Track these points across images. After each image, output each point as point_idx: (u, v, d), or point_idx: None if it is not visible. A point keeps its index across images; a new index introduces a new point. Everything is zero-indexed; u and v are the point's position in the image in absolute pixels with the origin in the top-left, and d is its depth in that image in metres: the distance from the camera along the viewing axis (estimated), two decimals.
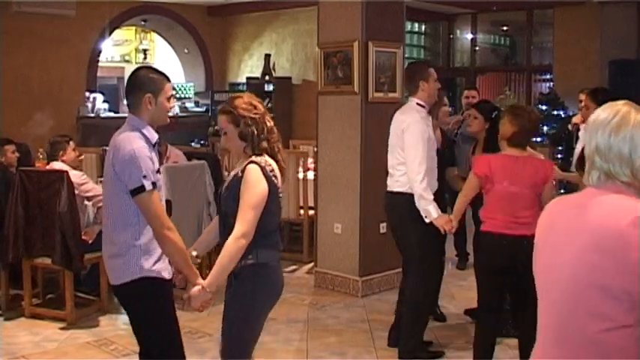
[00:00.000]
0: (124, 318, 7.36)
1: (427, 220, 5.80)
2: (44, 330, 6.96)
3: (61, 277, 7.50)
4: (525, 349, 5.40)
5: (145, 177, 3.91)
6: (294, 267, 9.33)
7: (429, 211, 5.77)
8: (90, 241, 7.24)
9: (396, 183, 6.06)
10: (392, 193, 6.10)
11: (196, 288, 3.97)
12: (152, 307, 4.12)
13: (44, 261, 7.20)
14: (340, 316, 7.36)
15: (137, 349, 6.23)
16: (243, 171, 4.02)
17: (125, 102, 4.14)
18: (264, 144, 4.08)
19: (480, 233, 5.49)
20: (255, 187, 3.95)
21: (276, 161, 4.11)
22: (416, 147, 5.82)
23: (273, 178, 4.02)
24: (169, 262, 4.15)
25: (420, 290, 6.07)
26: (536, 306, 5.27)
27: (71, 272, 7.08)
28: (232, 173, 4.18)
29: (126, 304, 4.30)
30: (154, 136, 4.14)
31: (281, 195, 4.14)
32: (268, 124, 4.12)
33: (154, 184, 3.97)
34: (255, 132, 4.06)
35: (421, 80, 6.05)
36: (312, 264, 8.90)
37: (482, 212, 5.42)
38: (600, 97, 6.46)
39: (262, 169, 3.99)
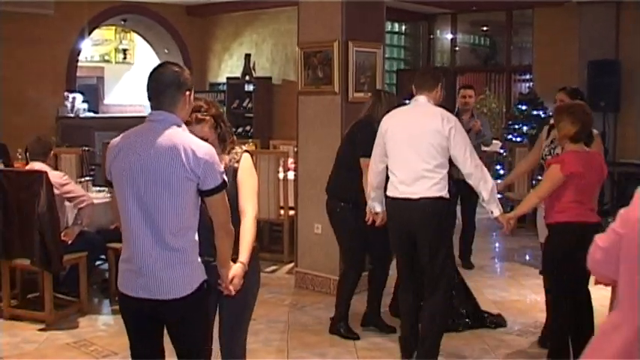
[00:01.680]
0: (103, 319, 7.35)
1: (493, 216, 5.74)
2: (23, 331, 6.92)
3: (40, 278, 7.45)
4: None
5: (222, 173, 3.81)
6: (274, 267, 9.32)
7: (497, 207, 5.71)
8: (69, 242, 7.20)
9: (434, 187, 5.65)
10: (429, 199, 5.65)
11: (238, 266, 4.06)
12: (205, 309, 3.99)
13: (23, 262, 7.15)
14: (321, 316, 7.35)
15: (117, 350, 6.25)
16: (238, 161, 4.30)
17: (151, 101, 3.84)
18: (234, 136, 4.38)
19: (560, 224, 5.62)
20: (255, 174, 4.36)
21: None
22: (470, 143, 5.71)
23: None
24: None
25: (447, 300, 5.96)
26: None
27: (50, 273, 7.05)
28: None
29: (185, 315, 3.88)
30: None
31: None
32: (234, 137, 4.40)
33: None
34: (229, 127, 4.32)
35: (440, 84, 5.95)
36: (292, 264, 8.90)
37: (560, 205, 5.58)
38: (578, 97, 6.56)
39: (251, 157, 4.38)
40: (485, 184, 5.62)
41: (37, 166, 7.38)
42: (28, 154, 7.75)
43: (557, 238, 5.67)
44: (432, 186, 5.64)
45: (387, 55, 9.33)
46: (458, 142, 5.61)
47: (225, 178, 3.81)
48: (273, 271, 9.14)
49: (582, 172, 5.52)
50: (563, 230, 5.60)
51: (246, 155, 4.33)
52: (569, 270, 5.58)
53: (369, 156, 6.21)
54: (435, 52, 17.09)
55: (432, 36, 17.03)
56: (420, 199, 5.65)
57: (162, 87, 3.82)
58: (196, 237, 3.84)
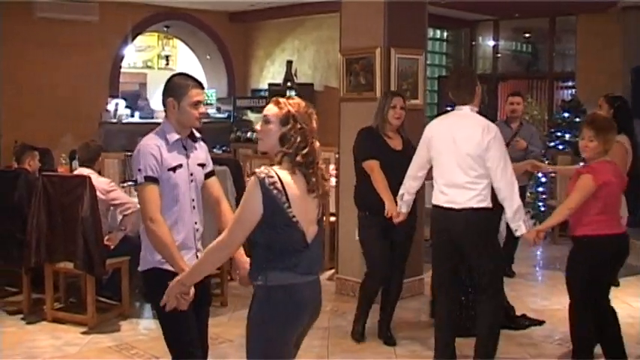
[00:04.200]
0: (145, 323, 7.39)
1: (517, 234, 5.62)
2: (65, 334, 6.98)
3: (82, 281, 7.51)
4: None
5: (139, 170, 4.22)
6: None
7: (522, 225, 5.58)
8: (112, 247, 7.27)
9: (476, 198, 5.64)
10: (471, 210, 5.65)
11: (173, 280, 3.96)
12: (158, 297, 4.10)
13: (66, 265, 7.23)
14: None
15: (158, 354, 6.29)
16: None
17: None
18: (300, 159, 3.70)
19: (587, 238, 5.58)
20: (244, 201, 3.67)
21: (307, 182, 3.72)
22: (506, 158, 5.62)
23: (275, 191, 3.60)
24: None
25: (501, 306, 5.92)
26: None
27: (93, 277, 7.10)
28: None
29: (144, 289, 4.81)
30: (173, 137, 4.35)
31: (295, 218, 3.69)
32: (315, 144, 3.76)
33: (149, 177, 4.22)
34: (297, 143, 3.70)
35: (476, 86, 5.84)
36: (333, 270, 8.88)
37: (587, 217, 5.55)
38: (616, 103, 6.50)
39: (261, 181, 3.62)
40: (510, 203, 5.55)
41: (84, 172, 7.46)
42: (77, 159, 7.82)
43: (584, 251, 5.62)
44: (474, 197, 5.64)
45: (428, 62, 9.27)
46: (493, 154, 5.57)
47: (139, 177, 4.25)
48: None
49: (613, 181, 5.49)
50: (590, 244, 5.55)
51: (250, 179, 3.70)
52: (595, 282, 5.63)
53: (369, 158, 6.45)
54: (476, 58, 17.03)
55: (473, 42, 16.97)
56: (462, 209, 5.67)
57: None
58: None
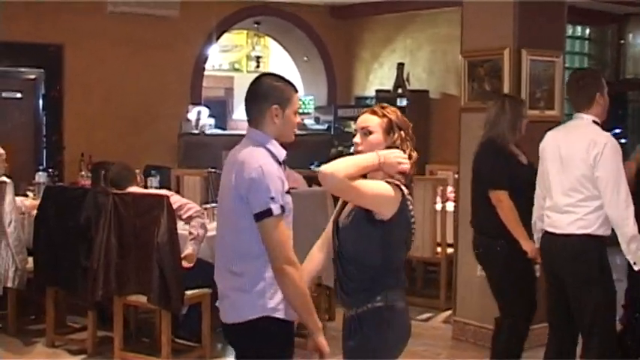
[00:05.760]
0: None
1: (637, 268, 5.50)
2: None
3: (157, 317, 7.59)
4: None
5: (272, 199, 3.92)
6: (428, 315, 9.27)
7: (634, 259, 5.46)
8: (191, 265, 7.27)
9: (578, 222, 5.58)
10: (572, 236, 5.61)
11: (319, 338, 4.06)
12: (268, 352, 4.13)
13: (138, 299, 7.31)
14: None
15: None
16: None
17: (246, 115, 4.18)
18: (410, 171, 4.01)
19: None
20: (385, 191, 3.86)
21: None
22: (619, 177, 5.49)
23: (410, 206, 3.93)
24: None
25: (604, 352, 5.73)
26: None
27: (169, 312, 7.15)
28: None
29: (239, 344, 4.26)
30: (282, 153, 4.17)
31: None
32: (414, 153, 4.03)
33: (282, 207, 3.98)
34: (406, 153, 4.00)
35: (598, 92, 5.77)
36: (449, 312, 8.84)
37: None
38: None
39: (403, 191, 3.91)
40: (622, 230, 5.43)
41: (131, 189, 7.59)
42: (116, 181, 7.82)
43: None
44: (575, 221, 5.59)
45: (567, 65, 9.17)
46: (601, 173, 5.49)
47: (273, 206, 3.92)
48: (427, 319, 9.11)
49: None
50: None
51: (392, 185, 3.93)
52: None
53: (500, 188, 6.21)
54: (625, 60, 16.70)
55: (622, 41, 16.67)
56: (562, 235, 5.67)
57: (249, 98, 4.25)
58: (264, 267, 4.02)
